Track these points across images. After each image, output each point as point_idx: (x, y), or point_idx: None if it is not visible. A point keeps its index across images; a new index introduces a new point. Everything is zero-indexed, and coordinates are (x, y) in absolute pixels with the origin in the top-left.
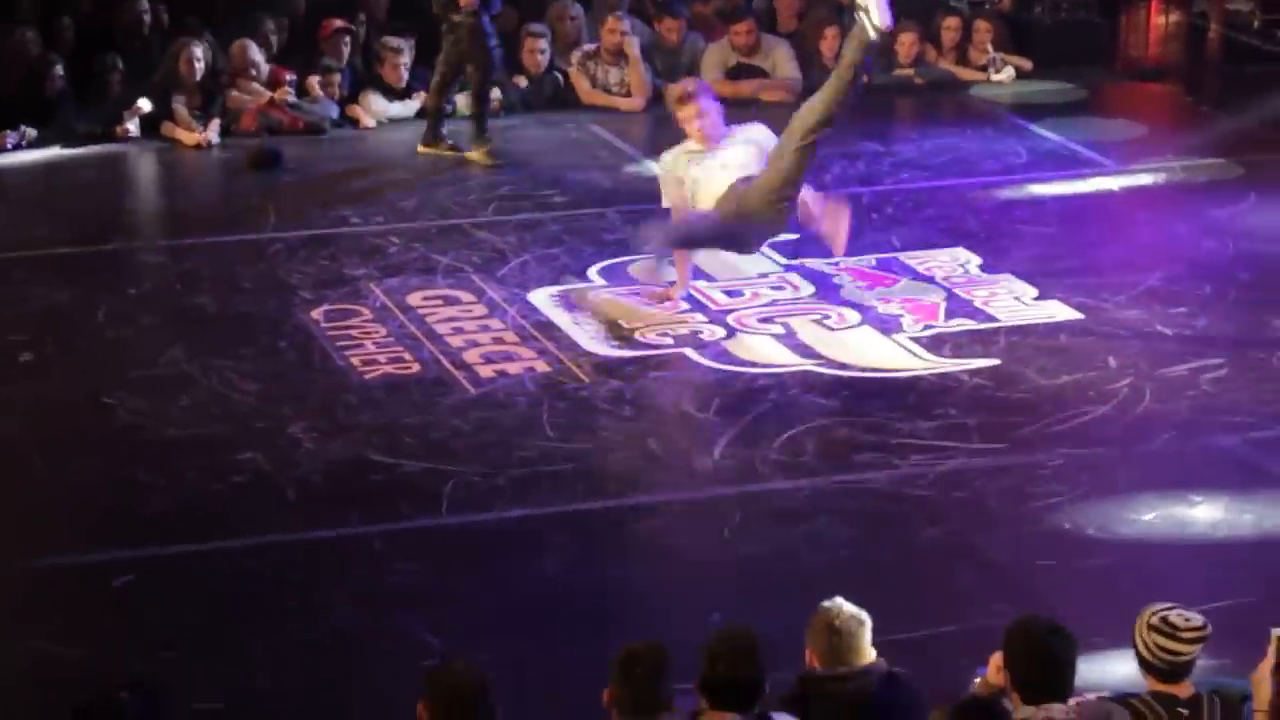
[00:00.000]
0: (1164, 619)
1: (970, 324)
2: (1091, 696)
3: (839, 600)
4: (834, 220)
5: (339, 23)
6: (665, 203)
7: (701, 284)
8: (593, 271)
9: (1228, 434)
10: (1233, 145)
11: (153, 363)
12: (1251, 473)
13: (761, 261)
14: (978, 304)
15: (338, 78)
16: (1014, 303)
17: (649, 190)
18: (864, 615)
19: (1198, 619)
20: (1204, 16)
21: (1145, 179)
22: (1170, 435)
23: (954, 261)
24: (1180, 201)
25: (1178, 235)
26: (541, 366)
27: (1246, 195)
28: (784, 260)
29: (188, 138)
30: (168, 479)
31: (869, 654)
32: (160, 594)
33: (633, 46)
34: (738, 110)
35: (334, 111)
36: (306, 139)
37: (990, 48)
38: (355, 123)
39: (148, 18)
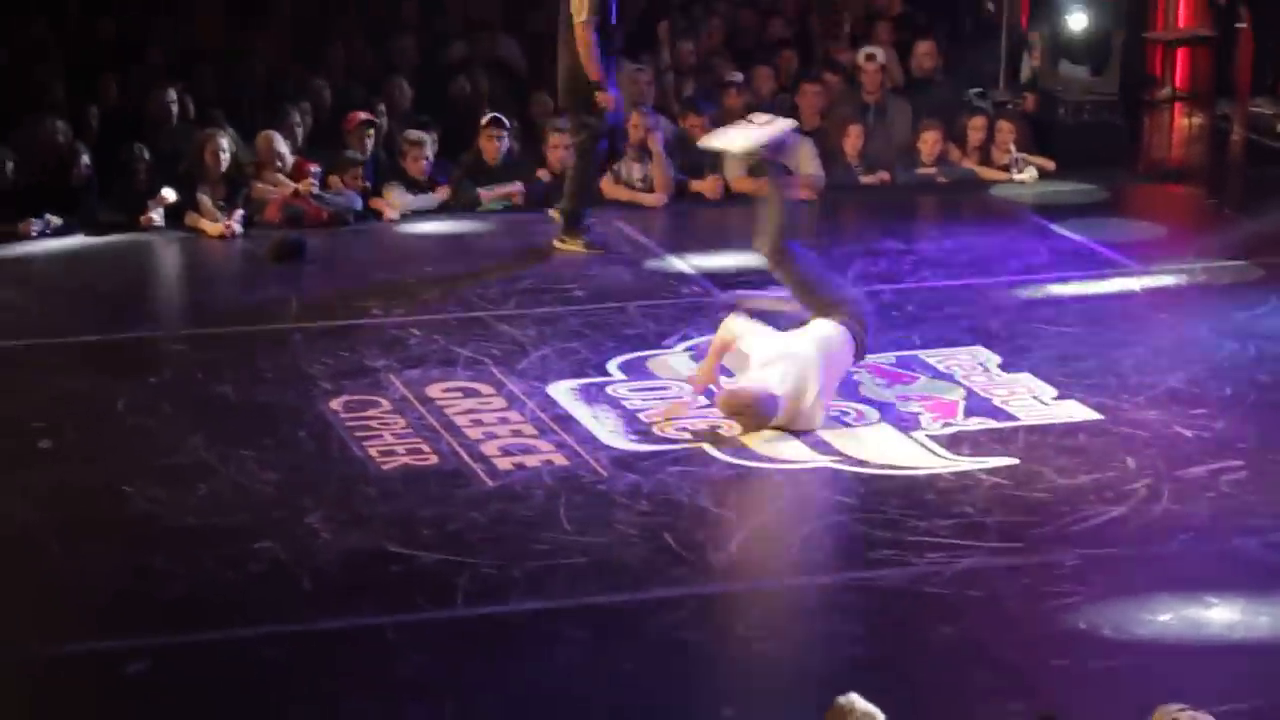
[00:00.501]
0: None
1: (989, 423)
2: None
3: (853, 697)
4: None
5: (363, 115)
6: None
7: (721, 379)
8: (612, 365)
9: (1246, 536)
10: (1255, 248)
11: (172, 451)
12: (1269, 575)
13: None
14: (997, 403)
15: (361, 170)
16: (1033, 402)
17: (670, 286)
18: (878, 713)
19: None
20: (1226, 119)
21: (1167, 280)
22: (1188, 537)
23: (973, 360)
24: (1201, 303)
25: (1198, 337)
26: (559, 460)
27: (1268, 298)
28: None
29: (212, 228)
30: (184, 566)
31: None
32: (174, 682)
33: (657, 142)
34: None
35: (358, 203)
36: (330, 231)
37: (1013, 148)
38: (378, 215)
39: (175, 108)
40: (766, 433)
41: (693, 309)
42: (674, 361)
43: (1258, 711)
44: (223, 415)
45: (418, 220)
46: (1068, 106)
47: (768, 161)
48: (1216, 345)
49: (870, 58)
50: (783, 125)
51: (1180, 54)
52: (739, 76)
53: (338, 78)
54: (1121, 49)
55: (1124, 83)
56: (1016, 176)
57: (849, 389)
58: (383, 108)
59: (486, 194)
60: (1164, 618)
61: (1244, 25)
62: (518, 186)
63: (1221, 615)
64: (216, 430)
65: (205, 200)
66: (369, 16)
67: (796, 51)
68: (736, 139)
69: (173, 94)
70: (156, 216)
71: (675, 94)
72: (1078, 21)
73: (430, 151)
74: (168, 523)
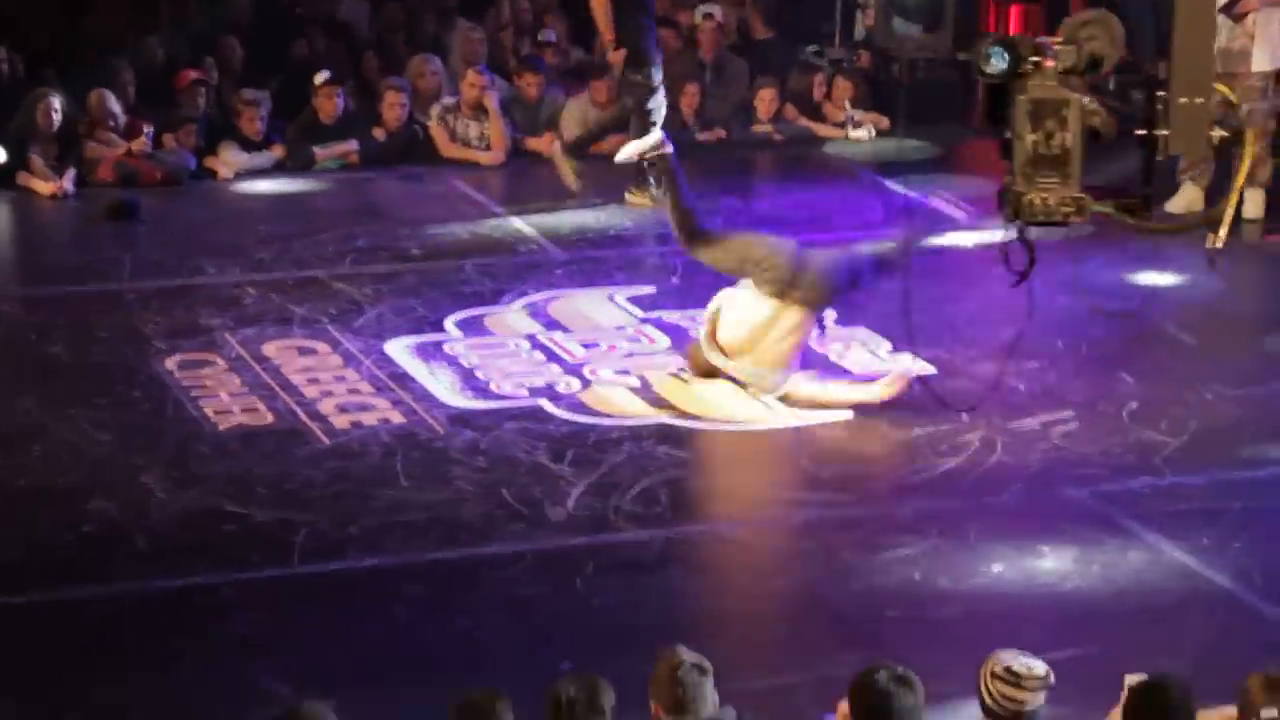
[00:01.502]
0: (1008, 668)
1: (826, 377)
2: None
3: (679, 649)
4: None
5: (194, 73)
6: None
7: (558, 335)
8: (449, 323)
9: (1077, 487)
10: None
11: (4, 413)
12: (1099, 524)
13: (618, 313)
14: (832, 358)
15: (194, 128)
16: (868, 356)
17: (506, 243)
18: (706, 664)
19: (1041, 667)
20: None
21: (999, 235)
22: (1020, 487)
23: None
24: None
25: (1032, 291)
26: (396, 417)
27: (1099, 253)
28: (640, 313)
29: (44, 188)
30: (18, 528)
31: (713, 704)
32: (8, 643)
33: (492, 101)
34: (597, 165)
35: (191, 162)
36: (164, 190)
37: (848, 105)
38: (213, 174)
39: (4, 67)
40: (603, 389)
41: (529, 266)
42: (511, 319)
43: (1089, 658)
44: (56, 375)
45: (253, 179)
46: (902, 64)
47: (661, 157)
48: (1049, 299)
49: (708, 16)
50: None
51: (1013, 11)
52: (552, 35)
53: (168, 35)
54: (955, 5)
55: (957, 37)
56: (852, 134)
57: (681, 341)
58: (213, 64)
59: (322, 153)
60: (997, 568)
61: None
62: (353, 145)
63: (1053, 564)
64: (49, 391)
65: (37, 160)
66: None
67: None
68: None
69: (1, 52)
70: None
71: (512, 51)
72: None
73: (265, 110)
74: (1, 485)
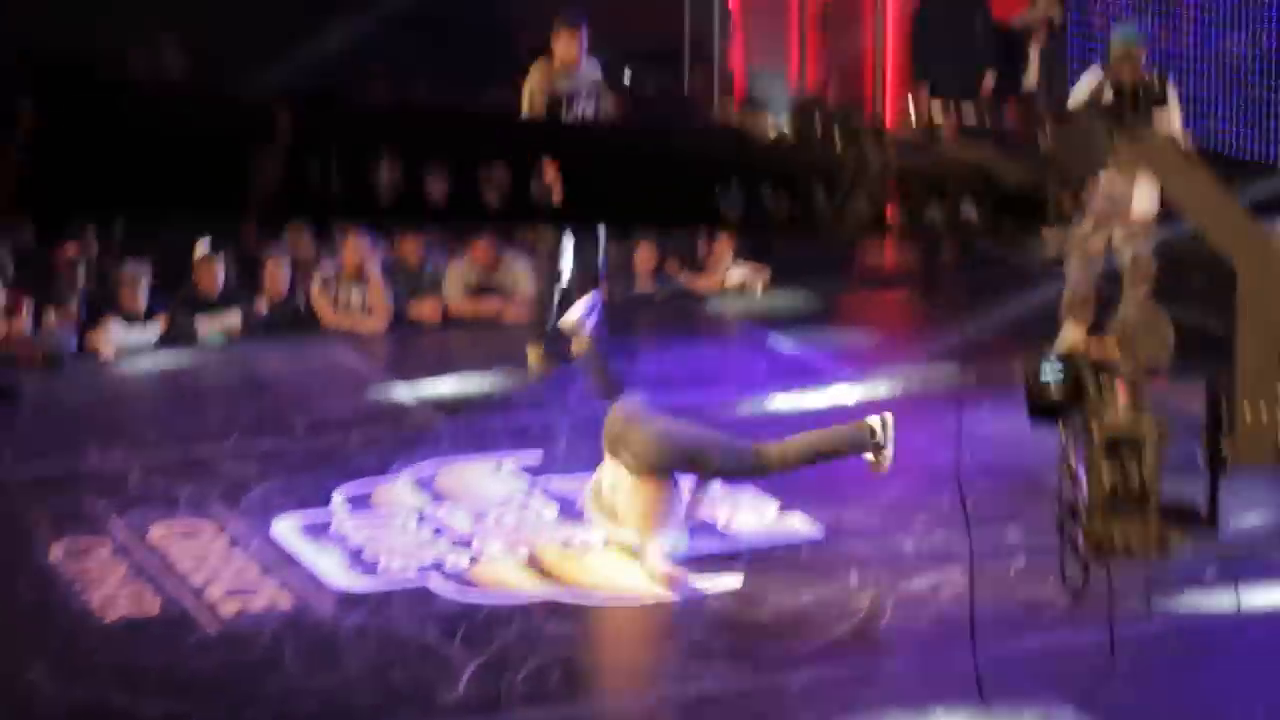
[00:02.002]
0: None
1: (714, 542)
2: None
3: None
4: None
5: (73, 249)
6: None
7: (445, 508)
8: (336, 499)
9: (967, 650)
10: (968, 351)
11: None
12: (992, 689)
13: (506, 483)
14: (720, 523)
15: (73, 305)
16: (756, 519)
17: (391, 413)
18: None
19: None
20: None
21: (883, 388)
22: (911, 654)
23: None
24: (919, 411)
25: (917, 445)
26: (285, 601)
27: (982, 403)
28: (527, 482)
29: None
30: None
31: None
32: None
33: (374, 267)
34: (481, 330)
35: (72, 341)
36: (44, 371)
37: (729, 258)
38: (95, 352)
39: None
40: (492, 565)
41: (415, 437)
42: (398, 492)
43: None
44: None
45: (135, 356)
46: None
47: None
48: (934, 454)
49: None
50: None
51: None
52: None
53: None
54: None
55: None
56: (731, 289)
57: (574, 514)
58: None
59: (205, 325)
60: None
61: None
62: (235, 317)
63: None
64: None
65: None
66: None
67: None
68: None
69: None
70: None
71: None
72: None
73: (146, 283)
74: None
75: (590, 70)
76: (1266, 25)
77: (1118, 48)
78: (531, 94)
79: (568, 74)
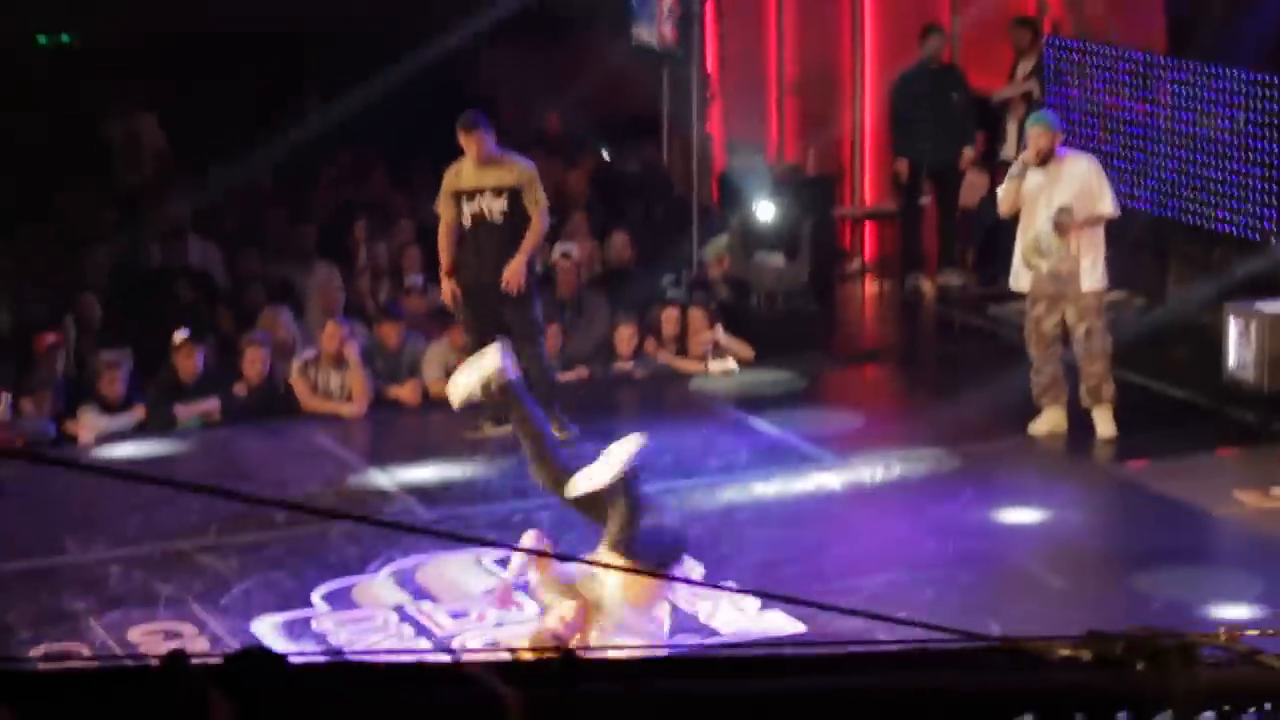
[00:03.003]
0: None
1: (694, 639)
2: None
3: None
4: None
5: (52, 336)
6: None
7: (426, 605)
8: (316, 596)
9: None
10: (948, 435)
11: None
12: None
13: (486, 578)
14: (702, 618)
15: (49, 393)
16: (737, 615)
17: (372, 502)
18: None
19: None
20: (916, 292)
21: (865, 474)
22: None
23: (679, 571)
24: (901, 498)
25: (899, 535)
26: None
27: (963, 490)
28: (508, 576)
29: None
30: None
31: None
32: None
33: (353, 351)
34: (461, 414)
35: (50, 429)
36: (22, 460)
37: (716, 334)
38: (72, 439)
39: None
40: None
41: (396, 529)
42: (378, 589)
43: None
44: None
45: (114, 443)
46: (760, 295)
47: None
48: (916, 544)
49: (565, 255)
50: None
51: (869, 228)
52: (419, 280)
53: (19, 295)
54: (811, 232)
55: (815, 262)
56: (712, 367)
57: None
58: (71, 324)
59: (184, 412)
60: None
61: (928, 200)
62: (214, 403)
63: None
64: None
65: None
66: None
67: None
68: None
69: None
70: None
71: (371, 297)
72: (765, 211)
73: (125, 371)
74: None
75: (506, 166)
76: (1243, 105)
77: (1030, 128)
78: (443, 196)
79: (474, 172)
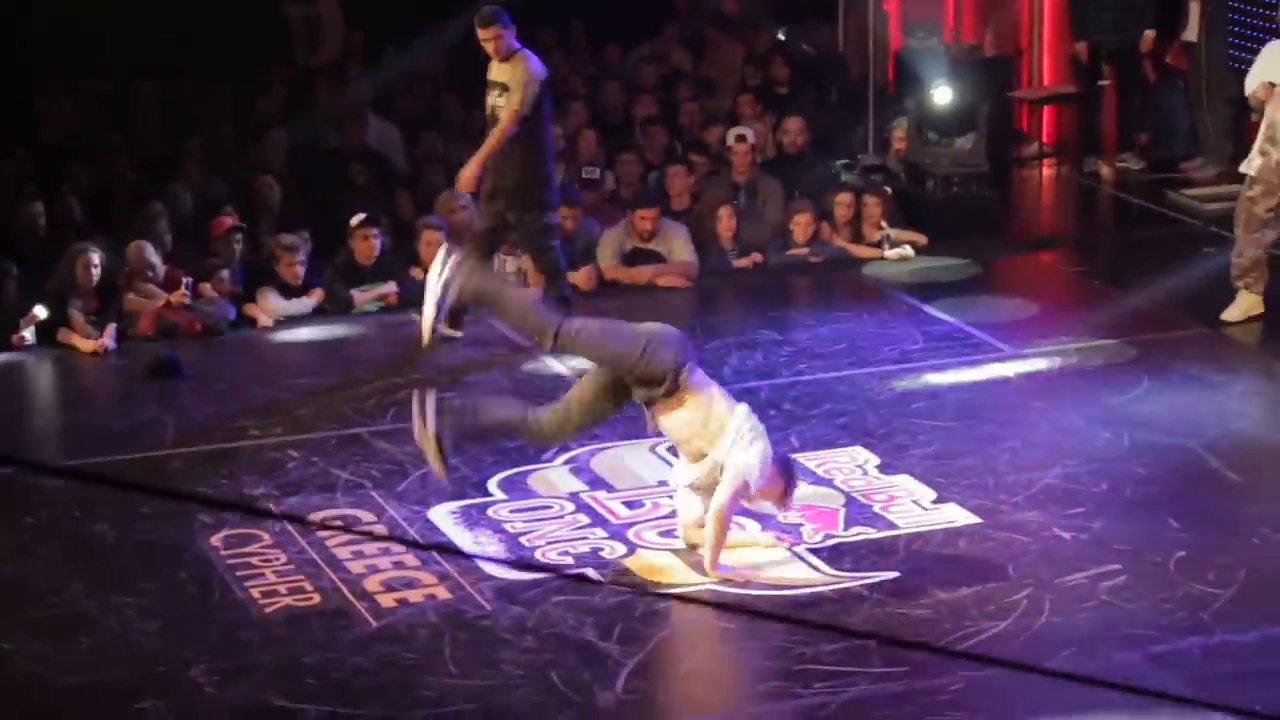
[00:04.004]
0: None
1: (870, 532)
2: None
3: None
4: None
5: (230, 220)
6: None
7: (601, 494)
8: (492, 483)
9: (1127, 650)
10: (1126, 324)
11: (51, 601)
12: (1151, 692)
13: (660, 467)
14: (877, 509)
15: (226, 275)
16: (913, 507)
17: (546, 389)
18: None
19: None
20: (1095, 176)
21: (1040, 364)
22: (1070, 652)
23: (852, 462)
24: (1075, 389)
25: (1074, 426)
26: (443, 593)
27: (1140, 380)
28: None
29: (84, 344)
30: None
31: None
32: None
33: None
34: (635, 295)
35: (230, 312)
36: (204, 341)
37: (884, 224)
38: (252, 322)
39: (42, 221)
40: (648, 554)
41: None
42: (554, 476)
43: None
44: (101, 557)
45: (292, 326)
46: (936, 180)
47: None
48: (1091, 435)
49: (741, 139)
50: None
51: (1046, 112)
52: (595, 173)
53: (197, 177)
54: (988, 118)
55: (991, 145)
56: (888, 254)
57: None
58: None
59: (361, 296)
60: None
61: (1107, 82)
62: (392, 287)
63: None
64: (95, 575)
65: (77, 316)
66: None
67: (665, 128)
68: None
69: (39, 207)
70: (28, 335)
71: None
72: (943, 95)
73: (303, 255)
74: (49, 682)
75: (513, 65)
76: None
77: None
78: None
79: (494, 67)
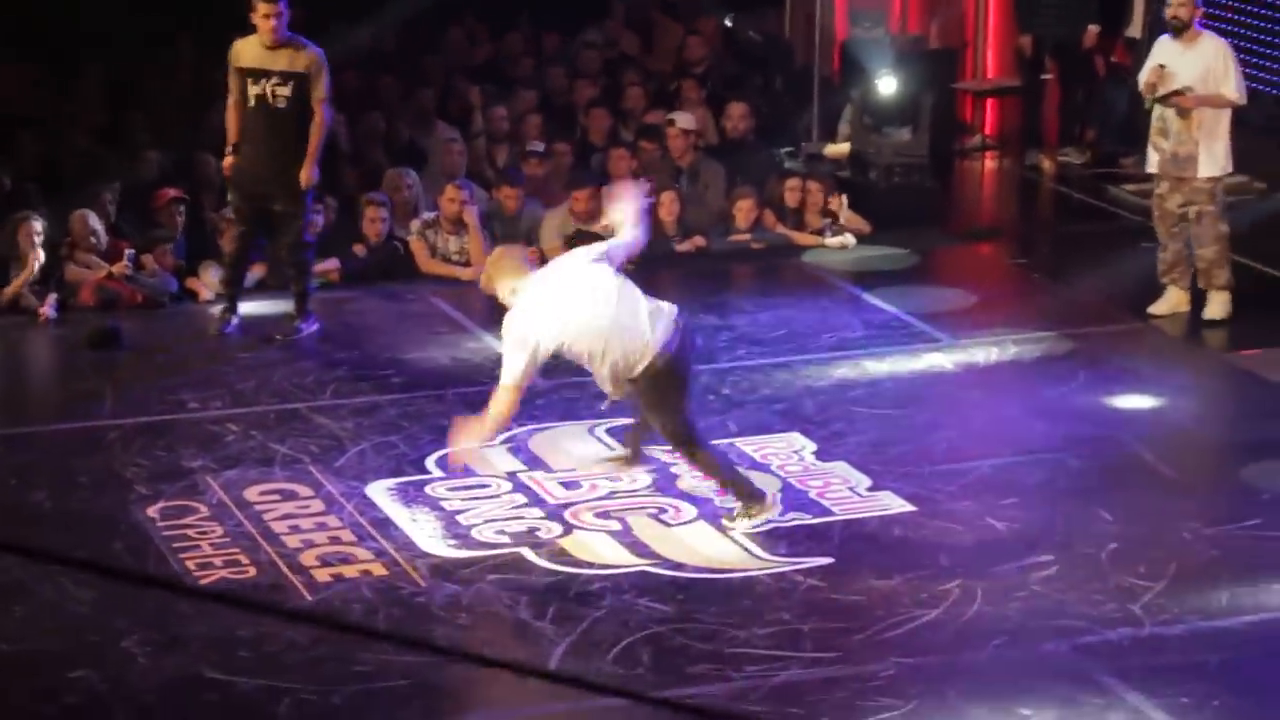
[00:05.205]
0: None
1: (805, 518)
2: None
3: None
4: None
5: (173, 191)
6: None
7: (539, 474)
8: (430, 461)
9: (1057, 640)
10: (1063, 317)
11: None
12: (1079, 682)
13: (599, 449)
14: (813, 495)
15: (170, 249)
16: (848, 493)
17: (486, 368)
18: None
19: None
20: (1036, 169)
21: (978, 355)
22: (1000, 642)
23: (789, 448)
24: (1012, 380)
25: (1009, 417)
26: (378, 570)
27: (1076, 373)
28: (620, 448)
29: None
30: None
31: None
32: None
33: (472, 215)
34: None
35: (173, 284)
36: (145, 313)
37: (830, 210)
38: (194, 296)
39: None
40: (584, 535)
41: None
42: (492, 455)
43: None
44: (37, 525)
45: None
46: (878, 169)
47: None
48: (1027, 427)
49: (670, 122)
50: None
51: (989, 104)
52: (540, 146)
53: (141, 149)
54: (932, 109)
55: (934, 136)
56: (829, 241)
57: (666, 482)
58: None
59: None
60: None
61: (1050, 77)
62: (334, 263)
63: None
64: (31, 544)
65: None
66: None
67: (608, 110)
68: None
69: None
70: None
71: (490, 162)
72: (887, 85)
73: None
74: None
75: (296, 50)
76: None
77: None
78: (230, 71)
79: (262, 52)
